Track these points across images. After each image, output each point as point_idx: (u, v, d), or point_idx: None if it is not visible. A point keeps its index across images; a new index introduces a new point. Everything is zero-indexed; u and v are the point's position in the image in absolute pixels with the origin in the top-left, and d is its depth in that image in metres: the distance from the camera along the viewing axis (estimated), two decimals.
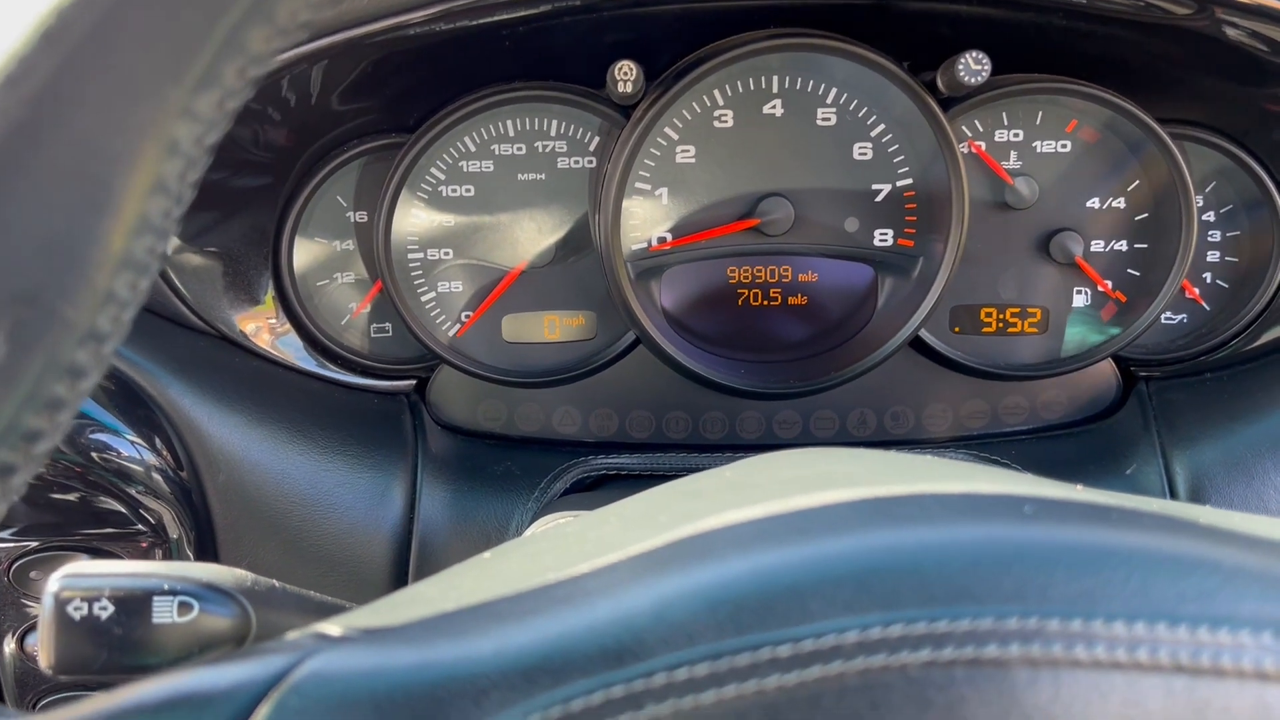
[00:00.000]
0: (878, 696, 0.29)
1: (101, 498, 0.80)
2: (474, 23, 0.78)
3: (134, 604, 0.41)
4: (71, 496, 0.80)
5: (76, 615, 0.41)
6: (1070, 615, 0.30)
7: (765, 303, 0.99)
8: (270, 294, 0.96)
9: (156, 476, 0.82)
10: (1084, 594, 0.31)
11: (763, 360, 1.00)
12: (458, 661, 0.32)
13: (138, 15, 0.30)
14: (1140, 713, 0.29)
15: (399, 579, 0.89)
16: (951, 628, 0.30)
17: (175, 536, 0.81)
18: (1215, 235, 1.00)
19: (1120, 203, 0.97)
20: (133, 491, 0.81)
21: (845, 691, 0.29)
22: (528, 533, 0.84)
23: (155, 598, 0.41)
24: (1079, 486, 0.44)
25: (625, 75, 0.87)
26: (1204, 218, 0.99)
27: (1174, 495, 0.93)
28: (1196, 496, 0.93)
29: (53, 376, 0.31)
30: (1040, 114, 0.95)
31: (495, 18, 0.78)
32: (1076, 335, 1.01)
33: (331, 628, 0.35)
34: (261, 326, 0.96)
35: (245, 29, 0.31)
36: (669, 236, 0.97)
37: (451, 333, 1.00)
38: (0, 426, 0.31)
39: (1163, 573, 0.31)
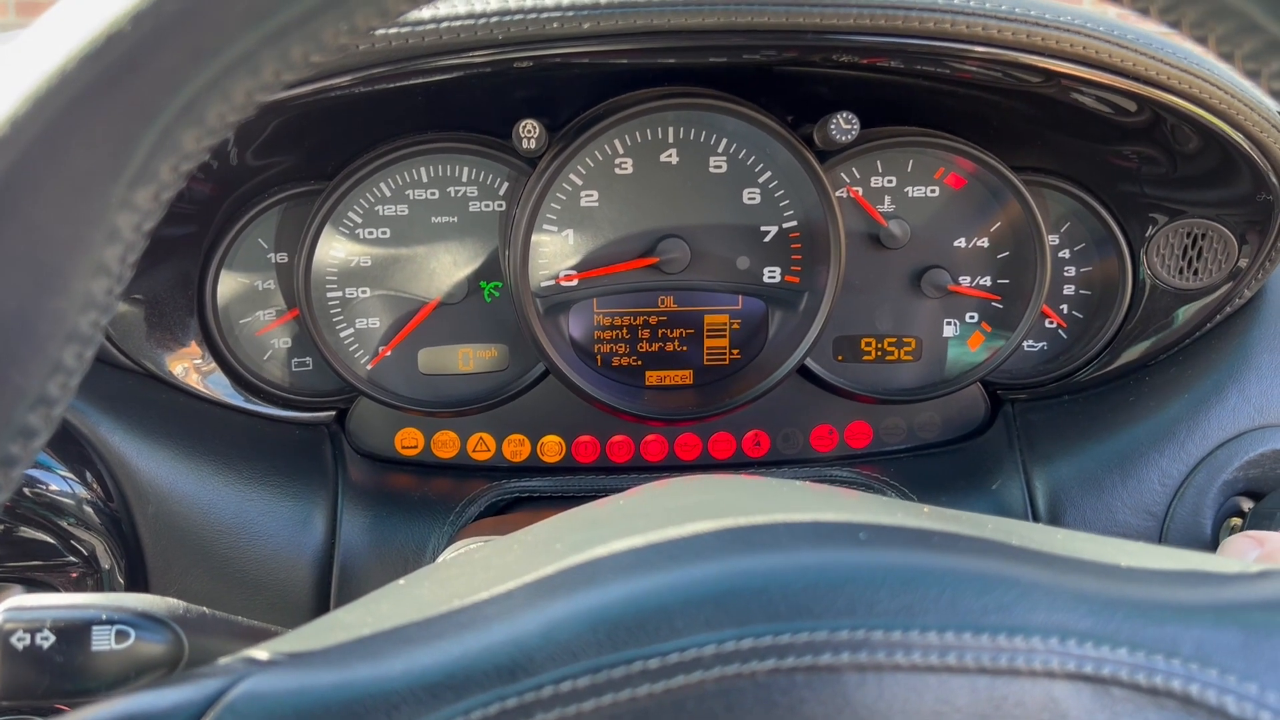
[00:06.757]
0: (732, 700, 0.33)
1: (33, 530, 0.84)
2: (391, 85, 0.84)
3: (74, 633, 0.44)
4: (3, 529, 0.83)
5: (20, 645, 0.43)
6: (892, 627, 0.34)
7: (665, 334, 1.06)
8: (196, 334, 0.99)
9: (88, 509, 0.85)
10: (904, 608, 0.35)
11: (664, 388, 1.07)
12: (372, 680, 0.35)
13: (81, 122, 0.33)
14: (949, 708, 0.33)
15: (321, 602, 0.93)
16: (793, 640, 0.34)
17: (108, 567, 0.84)
18: (1070, 270, 1.09)
19: (984, 242, 1.06)
20: (64, 524, 0.84)
21: (704, 697, 0.33)
22: (442, 557, 0.89)
23: (94, 627, 0.44)
24: (926, 509, 0.51)
25: (529, 134, 0.93)
26: (1060, 255, 1.08)
27: (1034, 508, 1.01)
28: (1054, 509, 1.00)
29: (7, 437, 0.34)
30: (911, 162, 1.03)
31: (411, 81, 0.84)
32: (947, 362, 1.09)
33: (261, 653, 0.37)
34: (189, 366, 0.99)
35: (177, 131, 0.34)
36: (574, 273, 1.03)
37: (369, 365, 1.04)
38: None
39: (969, 589, 0.35)
